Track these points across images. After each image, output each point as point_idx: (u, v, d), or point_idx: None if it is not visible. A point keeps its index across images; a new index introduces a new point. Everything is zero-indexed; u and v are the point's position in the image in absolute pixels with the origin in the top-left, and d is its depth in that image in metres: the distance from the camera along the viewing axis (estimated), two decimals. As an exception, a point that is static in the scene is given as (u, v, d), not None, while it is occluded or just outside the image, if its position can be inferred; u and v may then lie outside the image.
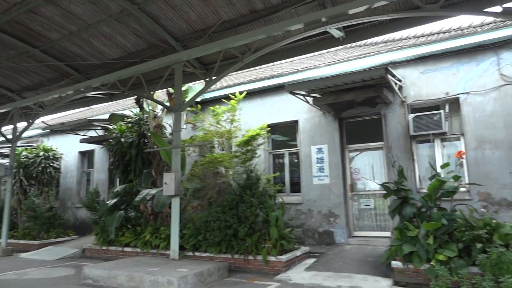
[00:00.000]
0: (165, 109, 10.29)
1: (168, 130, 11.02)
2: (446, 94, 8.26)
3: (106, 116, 12.29)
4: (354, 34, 7.62)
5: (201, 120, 10.25)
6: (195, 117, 10.66)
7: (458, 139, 8.26)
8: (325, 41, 7.97)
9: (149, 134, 10.17)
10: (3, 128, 13.21)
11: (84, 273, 6.93)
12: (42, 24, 8.80)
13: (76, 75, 10.86)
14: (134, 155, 10.25)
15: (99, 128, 13.59)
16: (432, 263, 5.42)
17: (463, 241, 5.47)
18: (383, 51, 9.20)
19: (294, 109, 10.12)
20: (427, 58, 8.56)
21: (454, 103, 8.29)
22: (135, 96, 10.24)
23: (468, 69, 8.10)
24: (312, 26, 6.44)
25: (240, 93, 9.71)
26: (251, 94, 10.50)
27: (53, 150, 14.64)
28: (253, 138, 9.06)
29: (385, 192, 6.78)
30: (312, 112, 9.85)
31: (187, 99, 9.36)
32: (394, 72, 8.29)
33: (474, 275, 4.99)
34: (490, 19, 8.31)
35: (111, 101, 12.09)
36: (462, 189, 7.23)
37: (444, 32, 9.54)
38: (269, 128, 9.75)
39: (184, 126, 10.83)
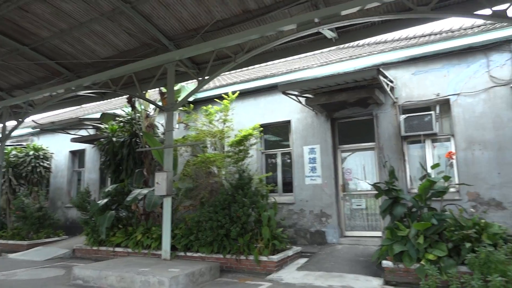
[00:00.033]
0: (158, 109, 10.24)
1: (161, 129, 10.94)
2: (436, 95, 8.35)
3: (98, 115, 12.20)
4: (346, 35, 7.67)
5: (193, 119, 10.22)
6: (188, 117, 10.63)
7: (448, 140, 8.36)
8: (317, 42, 8.00)
9: (141, 134, 10.11)
10: (-8, 127, 13.03)
11: (74, 274, 6.87)
12: (32, 21, 8.69)
13: (67, 73, 10.75)
14: (126, 154, 10.18)
15: (91, 127, 13.46)
16: (422, 262, 5.47)
17: (452, 240, 5.53)
18: (375, 52, 9.26)
19: (287, 109, 10.14)
20: (418, 59, 8.64)
21: (444, 104, 8.38)
22: (127, 95, 10.17)
23: (458, 71, 8.19)
24: (305, 27, 6.46)
25: (233, 93, 9.70)
26: (244, 94, 10.50)
27: (44, 150, 14.49)
28: (246, 138, 9.06)
29: (376, 192, 6.83)
30: (305, 112, 9.89)
31: (179, 99, 9.32)
32: (386, 73, 8.35)
33: (463, 274, 5.04)
34: (480, 21, 8.42)
35: (103, 100, 11.99)
36: (452, 189, 7.30)
37: (435, 34, 9.63)
38: (261, 128, 9.76)
39: (177, 126, 10.80)
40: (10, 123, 12.35)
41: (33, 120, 15.44)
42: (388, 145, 8.71)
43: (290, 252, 7.64)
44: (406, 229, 5.93)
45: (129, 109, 10.80)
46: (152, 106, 10.49)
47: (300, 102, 9.37)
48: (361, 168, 9.37)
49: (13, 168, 13.24)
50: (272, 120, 10.41)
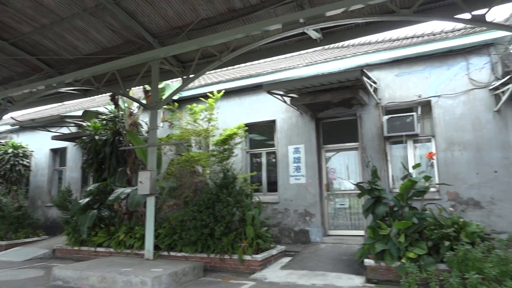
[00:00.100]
0: (141, 107, 10.11)
1: (144, 128, 10.83)
2: (418, 97, 8.51)
3: (80, 113, 11.94)
4: (331, 36, 7.73)
5: (178, 118, 10.14)
6: (172, 115, 10.53)
7: (429, 140, 8.54)
8: (303, 42, 8.04)
9: (124, 132, 9.97)
10: (-31, 124, 12.66)
11: (54, 274, 6.72)
12: (12, 16, 8.44)
13: (48, 70, 10.49)
14: (109, 153, 10.04)
15: (72, 125, 13.18)
16: (403, 260, 5.58)
17: (432, 239, 5.66)
18: (359, 53, 9.38)
19: (272, 109, 10.17)
20: (401, 61, 8.80)
21: (426, 106, 8.56)
22: (110, 93, 10.00)
23: (439, 73, 8.38)
24: (290, 27, 6.48)
25: (218, 91, 9.66)
26: (229, 93, 10.48)
27: (23, 147, 14.13)
28: (231, 137, 9.04)
29: (359, 191, 6.93)
30: (290, 112, 9.93)
31: (164, 97, 9.22)
32: (370, 74, 8.47)
33: (442, 271, 5.17)
34: (460, 25, 8.61)
35: (85, 97, 11.77)
36: (432, 189, 7.48)
37: (418, 37, 9.81)
38: (246, 128, 9.74)
39: (161, 124, 10.67)
40: (-12, 120, 12.01)
41: (12, 117, 15.03)
42: (371, 145, 8.84)
43: (274, 251, 7.67)
44: (387, 228, 6.04)
45: (112, 107, 10.62)
46: (136, 104, 10.35)
47: (285, 101, 9.40)
48: (345, 167, 9.48)
49: (-9, 166, 12.88)
50: (257, 119, 10.42)
